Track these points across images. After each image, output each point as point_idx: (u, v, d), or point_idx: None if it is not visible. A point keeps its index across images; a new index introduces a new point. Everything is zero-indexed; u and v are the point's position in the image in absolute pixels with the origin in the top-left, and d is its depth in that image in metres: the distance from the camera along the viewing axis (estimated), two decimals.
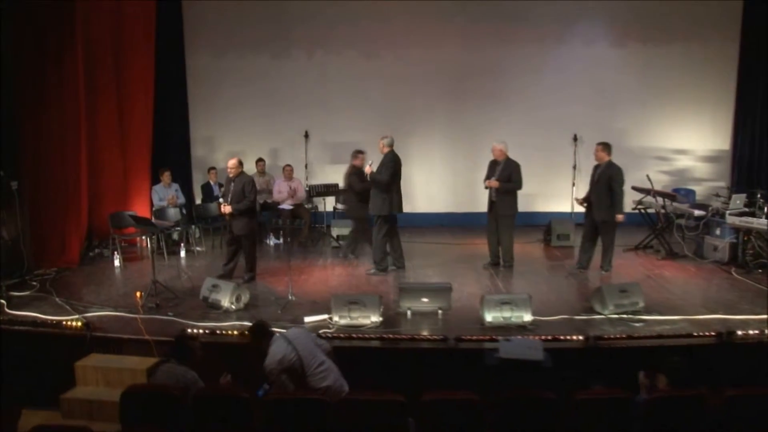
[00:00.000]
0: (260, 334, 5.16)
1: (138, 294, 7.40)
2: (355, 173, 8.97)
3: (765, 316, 6.61)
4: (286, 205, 10.40)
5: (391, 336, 6.11)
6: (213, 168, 10.91)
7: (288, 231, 8.84)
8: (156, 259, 8.99)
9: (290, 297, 7.20)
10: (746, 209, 9.18)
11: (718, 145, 11.86)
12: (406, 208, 11.94)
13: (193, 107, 11.49)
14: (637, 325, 6.58)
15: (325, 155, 11.81)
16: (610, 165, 8.26)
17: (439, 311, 6.76)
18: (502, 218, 8.68)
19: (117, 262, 8.90)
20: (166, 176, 10.11)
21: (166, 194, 10.10)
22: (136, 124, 10.00)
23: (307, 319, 6.59)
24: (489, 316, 6.44)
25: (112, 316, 6.77)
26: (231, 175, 7.95)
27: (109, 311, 6.89)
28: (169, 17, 10.80)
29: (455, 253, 9.75)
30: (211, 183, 10.80)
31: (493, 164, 8.72)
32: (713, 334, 6.21)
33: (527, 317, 6.48)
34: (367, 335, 6.20)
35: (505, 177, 8.51)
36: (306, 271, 8.75)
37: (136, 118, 9.97)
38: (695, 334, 6.23)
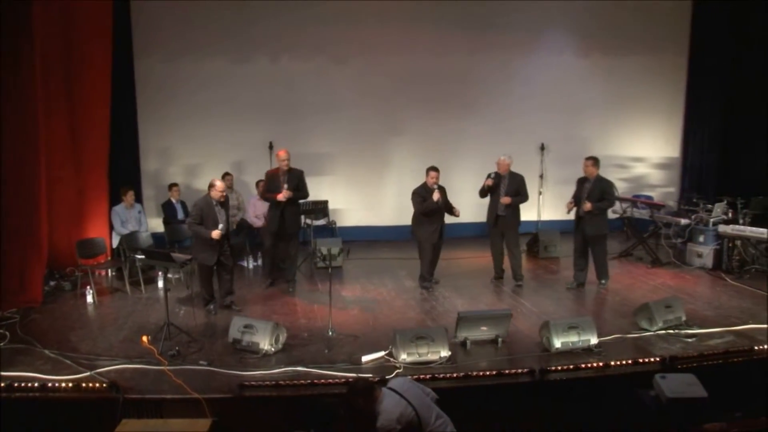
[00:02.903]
0: (367, 393, 4.44)
1: (144, 339, 6.32)
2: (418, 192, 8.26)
3: None
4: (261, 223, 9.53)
5: (475, 374, 5.59)
6: (175, 184, 9.72)
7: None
8: (132, 291, 7.99)
9: (330, 333, 6.46)
10: (725, 217, 9.60)
11: (670, 153, 12.40)
12: (377, 220, 11.55)
13: (142, 116, 10.19)
14: (689, 340, 6.55)
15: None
16: (600, 179, 8.26)
17: (499, 339, 6.34)
18: (511, 232, 8.45)
19: (90, 298, 7.63)
20: (130, 196, 8.88)
21: (128, 216, 8.86)
22: (92, 138, 8.70)
23: (365, 359, 5.91)
24: (558, 342, 6.13)
25: (131, 370, 5.70)
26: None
27: (122, 363, 5.80)
28: (116, 17, 9.43)
29: (449, 269, 9.31)
30: (173, 201, 9.63)
31: (498, 177, 8.42)
32: None
33: (594, 340, 6.24)
34: (444, 374, 5.63)
35: (514, 191, 8.28)
36: (310, 298, 7.99)
37: (91, 131, 8.67)
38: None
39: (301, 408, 4.27)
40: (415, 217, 8.24)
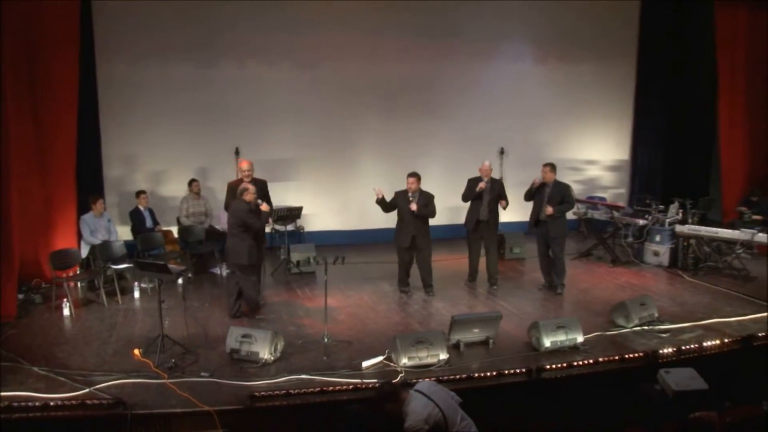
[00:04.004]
0: (394, 396, 4.55)
1: (137, 352, 6.20)
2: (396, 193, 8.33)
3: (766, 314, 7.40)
4: None
5: (477, 375, 5.77)
6: (143, 192, 9.47)
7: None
8: (108, 303, 7.77)
9: (326, 339, 6.50)
10: (679, 217, 10.19)
11: (620, 156, 13.01)
12: (344, 224, 11.60)
13: (105, 121, 9.85)
14: (664, 335, 6.95)
15: (257, 174, 10.81)
16: (558, 183, 8.58)
17: (490, 341, 6.55)
18: (491, 235, 8.68)
19: (67, 311, 7.38)
20: (99, 204, 8.59)
21: (98, 225, 8.59)
22: (59, 145, 8.38)
23: (365, 364, 6.01)
24: (547, 342, 6.40)
25: (131, 385, 5.58)
26: None
27: (120, 378, 5.66)
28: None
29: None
30: (141, 209, 9.39)
31: (476, 182, 8.60)
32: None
33: (579, 338, 6.55)
34: (447, 375, 5.78)
35: (498, 195, 8.52)
36: (292, 305, 7.99)
37: (57, 138, 8.35)
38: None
39: (330, 416, 4.31)
40: (397, 222, 8.34)
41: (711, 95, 11.82)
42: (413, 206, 7.98)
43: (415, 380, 5.15)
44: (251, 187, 7.24)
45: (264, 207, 7.31)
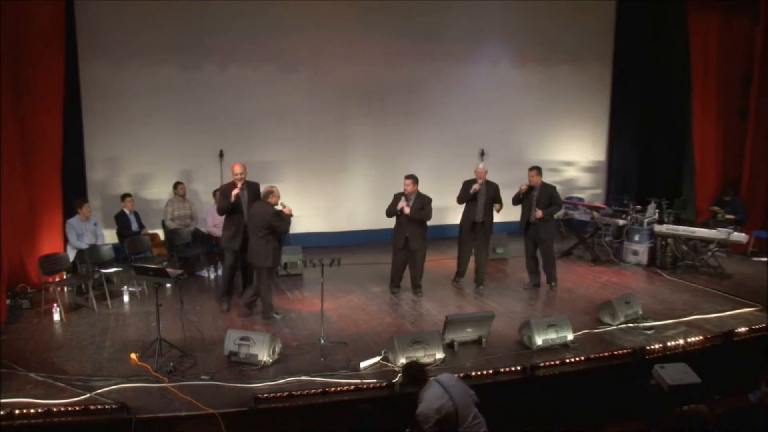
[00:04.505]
0: (419, 377, 4.77)
1: (134, 356, 6.19)
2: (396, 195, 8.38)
3: (743, 311, 7.70)
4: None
5: (474, 373, 5.90)
6: (129, 195, 9.41)
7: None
8: (98, 307, 7.73)
9: (322, 341, 6.57)
10: (657, 217, 10.47)
11: (597, 157, 13.31)
12: (328, 226, 11.66)
13: (88, 123, 9.75)
14: (649, 332, 7.18)
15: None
16: (546, 186, 8.77)
17: (483, 340, 6.70)
18: (484, 239, 8.83)
19: (57, 316, 7.31)
20: (86, 208, 8.54)
21: (84, 229, 8.52)
22: (44, 148, 8.28)
23: (362, 365, 6.09)
24: (539, 340, 6.57)
25: (132, 389, 5.58)
26: None
27: (120, 383, 5.66)
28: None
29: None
30: (126, 212, 9.32)
31: (470, 184, 8.72)
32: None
33: (570, 336, 6.73)
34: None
35: (493, 198, 8.64)
36: (283, 306, 8.02)
37: (43, 140, 8.25)
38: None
39: (338, 416, 4.41)
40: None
41: (684, 97, 12.19)
42: (406, 209, 8.08)
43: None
44: (276, 189, 7.30)
45: (287, 210, 7.37)
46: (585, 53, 12.68)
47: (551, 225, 8.77)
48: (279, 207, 7.35)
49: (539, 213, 8.52)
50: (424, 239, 8.37)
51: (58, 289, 8.15)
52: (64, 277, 8.23)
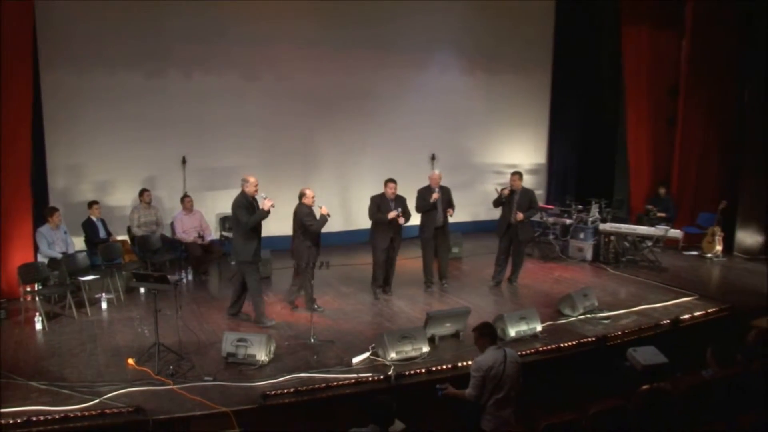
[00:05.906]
0: (489, 334, 5.35)
1: (131, 361, 6.34)
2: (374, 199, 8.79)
3: (683, 300, 8.54)
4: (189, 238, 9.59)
5: (460, 364, 6.39)
6: (96, 202, 9.39)
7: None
8: (77, 315, 7.77)
9: (312, 340, 6.91)
10: (598, 216, 11.33)
11: (538, 160, 14.15)
12: (289, 229, 11.85)
13: (50, 131, 9.65)
14: (606, 322, 7.90)
15: (203, 182, 11.00)
16: (526, 190, 9.34)
17: (460, 333, 7.21)
18: (445, 241, 9.33)
19: (39, 325, 7.31)
20: (56, 217, 8.53)
21: (55, 238, 8.50)
22: (13, 156, 8.17)
23: (354, 360, 6.49)
24: (512, 331, 7.14)
25: (139, 393, 5.75)
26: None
27: (125, 388, 5.81)
28: None
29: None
30: (94, 219, 9.31)
31: (426, 191, 9.16)
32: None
33: (539, 328, 7.35)
34: (436, 366, 6.36)
35: (448, 201, 9.14)
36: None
37: (13, 148, 8.14)
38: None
39: (359, 406, 4.75)
40: (374, 224, 8.77)
41: (618, 101, 13.16)
42: (401, 220, 8.56)
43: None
44: (309, 192, 7.76)
45: (324, 210, 7.78)
46: (527, 62, 13.49)
47: (529, 227, 9.37)
48: (315, 208, 7.86)
49: (520, 216, 9.01)
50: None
51: (28, 298, 8.10)
52: (36, 287, 8.17)
